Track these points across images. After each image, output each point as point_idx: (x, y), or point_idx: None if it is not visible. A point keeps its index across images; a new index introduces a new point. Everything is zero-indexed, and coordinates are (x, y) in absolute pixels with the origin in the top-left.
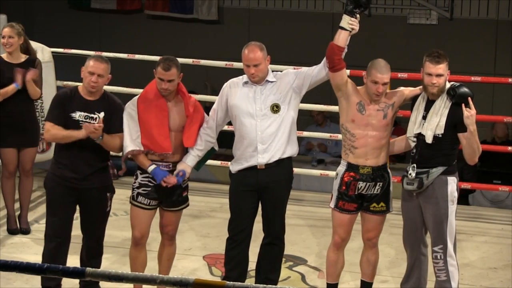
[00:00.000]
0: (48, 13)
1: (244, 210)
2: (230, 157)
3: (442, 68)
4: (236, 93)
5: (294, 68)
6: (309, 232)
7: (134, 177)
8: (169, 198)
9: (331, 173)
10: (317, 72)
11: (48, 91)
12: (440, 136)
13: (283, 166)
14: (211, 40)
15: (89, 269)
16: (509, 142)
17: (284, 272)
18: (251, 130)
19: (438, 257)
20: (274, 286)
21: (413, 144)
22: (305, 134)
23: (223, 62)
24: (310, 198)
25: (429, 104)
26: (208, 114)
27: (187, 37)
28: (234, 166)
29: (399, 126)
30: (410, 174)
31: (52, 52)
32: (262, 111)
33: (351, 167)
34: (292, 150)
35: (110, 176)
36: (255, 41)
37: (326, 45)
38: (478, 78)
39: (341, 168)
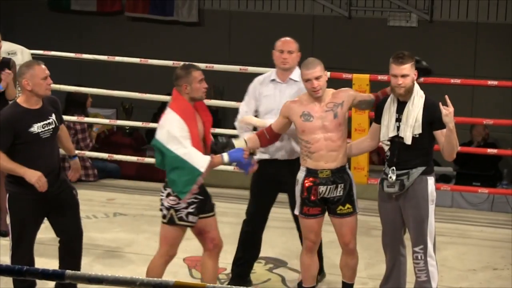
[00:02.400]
0: (28, 14)
1: (262, 195)
2: None
3: (406, 68)
4: (263, 89)
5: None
6: (289, 234)
7: (175, 197)
8: (209, 202)
9: None
10: None
11: None
12: (418, 136)
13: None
14: (191, 42)
15: (68, 272)
16: (489, 144)
17: (264, 274)
18: None
19: (419, 258)
20: None
21: (386, 148)
22: None
23: (203, 64)
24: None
25: (400, 106)
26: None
27: (168, 39)
28: (258, 155)
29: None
30: (390, 177)
31: (32, 54)
32: None
33: (310, 172)
34: None
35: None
36: (235, 43)
37: (307, 47)
38: (457, 81)
39: (301, 174)
